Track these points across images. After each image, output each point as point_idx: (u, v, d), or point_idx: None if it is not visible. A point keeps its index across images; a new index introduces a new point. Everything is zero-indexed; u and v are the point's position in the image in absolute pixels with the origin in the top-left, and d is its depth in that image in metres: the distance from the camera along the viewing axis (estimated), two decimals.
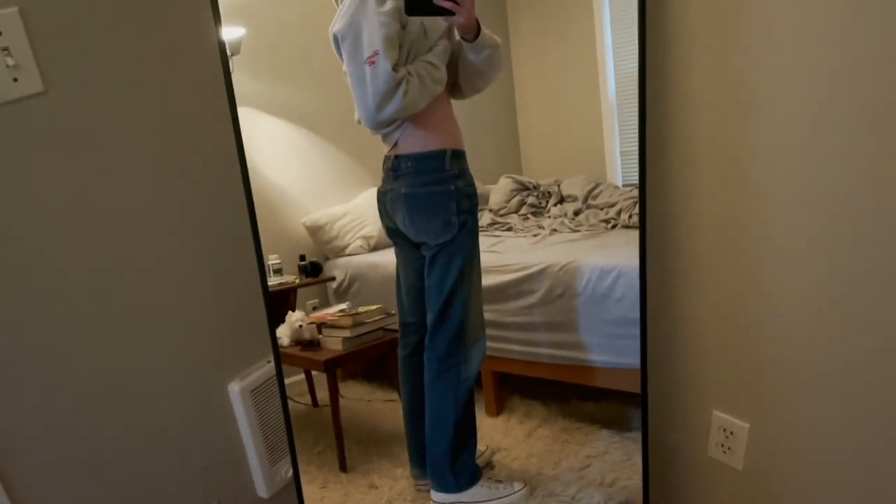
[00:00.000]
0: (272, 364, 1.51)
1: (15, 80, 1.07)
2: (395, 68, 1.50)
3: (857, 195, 1.10)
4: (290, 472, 1.54)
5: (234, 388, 1.51)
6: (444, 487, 1.79)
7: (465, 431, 1.81)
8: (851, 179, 1.10)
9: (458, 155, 1.71)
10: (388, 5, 1.49)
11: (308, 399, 2.32)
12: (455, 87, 1.73)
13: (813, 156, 1.14)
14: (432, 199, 1.71)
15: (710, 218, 1.33)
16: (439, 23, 1.59)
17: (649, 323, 1.41)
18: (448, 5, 1.45)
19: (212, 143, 1.43)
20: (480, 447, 1.97)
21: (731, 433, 1.35)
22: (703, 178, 1.32)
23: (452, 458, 1.78)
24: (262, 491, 1.59)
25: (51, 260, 1.20)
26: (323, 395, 2.22)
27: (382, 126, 1.62)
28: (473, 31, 1.57)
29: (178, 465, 1.42)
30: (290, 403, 2.28)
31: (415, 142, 1.68)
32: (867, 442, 1.16)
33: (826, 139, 1.12)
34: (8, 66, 1.06)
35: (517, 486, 1.76)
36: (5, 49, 1.05)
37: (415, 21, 1.54)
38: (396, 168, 1.71)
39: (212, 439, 1.49)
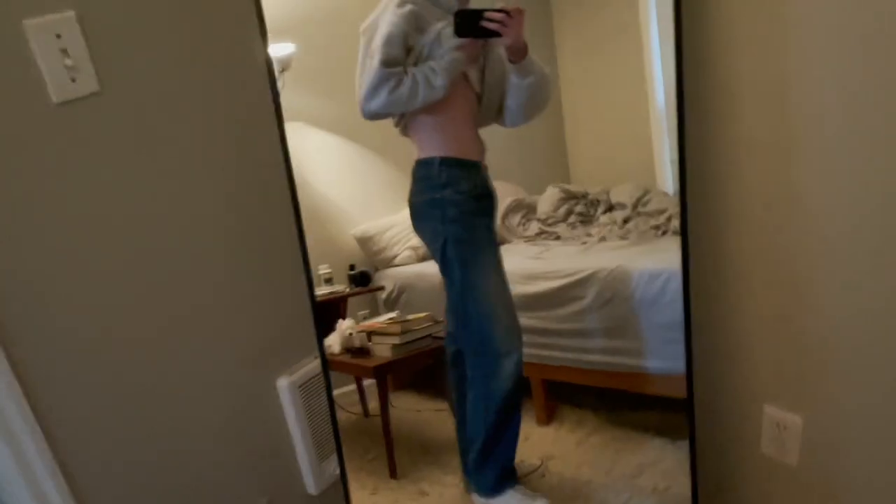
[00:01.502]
0: (319, 360, 1.52)
1: (73, 80, 1.13)
2: (392, 64, 1.55)
3: None
4: (338, 469, 1.54)
5: (283, 382, 1.52)
6: (478, 489, 1.81)
7: (497, 443, 1.79)
8: None
9: (451, 163, 1.71)
10: (406, 8, 1.56)
11: (359, 409, 2.33)
12: (499, 113, 1.76)
13: (862, 156, 1.11)
14: (422, 208, 1.76)
15: (758, 217, 1.30)
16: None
17: (695, 322, 1.38)
18: (495, 27, 1.49)
19: (261, 150, 1.48)
20: (535, 461, 1.94)
21: (785, 428, 1.30)
22: (747, 177, 1.30)
23: (483, 463, 1.79)
24: (311, 487, 1.60)
25: (104, 258, 1.25)
26: (374, 405, 2.23)
27: (373, 118, 1.66)
28: (521, 54, 1.60)
29: (227, 458, 1.44)
30: (341, 413, 2.31)
31: (418, 148, 1.74)
32: None
33: (876, 140, 1.08)
34: (66, 67, 1.12)
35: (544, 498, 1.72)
36: (64, 51, 1.12)
37: (433, 28, 1.58)
38: (412, 174, 1.77)
39: (261, 434, 1.51)
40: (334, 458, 1.58)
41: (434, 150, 1.72)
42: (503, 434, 1.80)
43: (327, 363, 1.51)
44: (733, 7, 1.26)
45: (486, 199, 1.77)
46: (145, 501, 1.30)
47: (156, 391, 1.32)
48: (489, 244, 1.79)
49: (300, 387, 1.54)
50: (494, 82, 1.68)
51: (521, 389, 1.79)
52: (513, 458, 1.82)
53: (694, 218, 1.35)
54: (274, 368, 1.54)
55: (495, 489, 1.78)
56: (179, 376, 1.36)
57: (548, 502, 1.72)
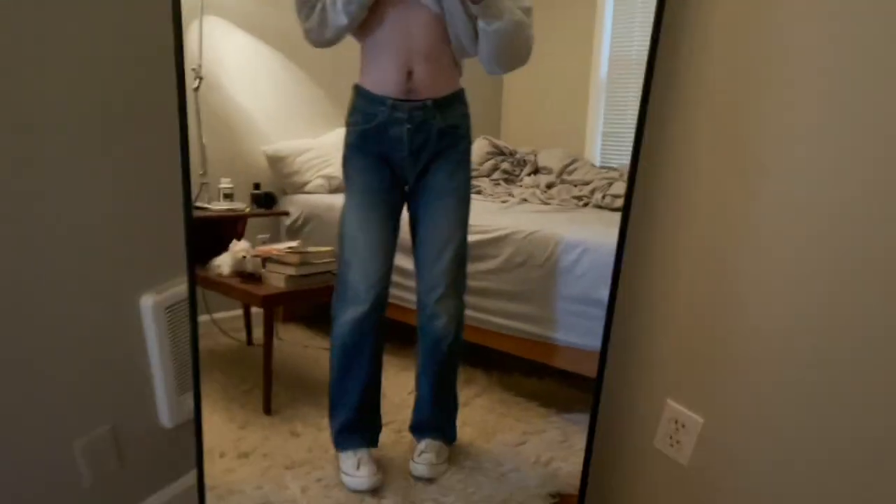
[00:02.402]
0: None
1: None
2: None
3: (853, 210, 1.03)
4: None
5: (147, 301, 1.36)
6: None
7: (338, 394, 1.70)
8: (850, 190, 1.03)
9: (357, 92, 1.61)
10: None
11: (243, 336, 2.20)
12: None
13: (815, 166, 1.08)
14: None
15: (700, 211, 1.24)
16: None
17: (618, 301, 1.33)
18: None
19: (147, 38, 1.29)
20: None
21: (683, 426, 1.27)
22: (699, 171, 1.24)
23: (330, 410, 1.72)
24: (166, 420, 1.46)
25: None
26: (259, 334, 2.11)
27: (318, 46, 1.56)
28: None
29: (68, 373, 1.27)
30: (224, 338, 2.18)
31: None
32: (821, 455, 1.10)
33: (829, 152, 1.05)
34: None
35: (372, 477, 1.62)
36: None
37: None
38: None
39: (113, 352, 1.35)
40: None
41: (359, 79, 1.61)
42: (344, 387, 1.69)
43: (195, 287, 1.33)
44: None
45: (381, 138, 1.59)
46: None
47: None
48: (370, 189, 1.66)
49: (167, 308, 1.38)
50: (455, 8, 1.48)
51: (366, 347, 1.67)
52: (356, 417, 1.71)
53: (637, 198, 1.27)
54: (139, 283, 1.37)
55: (337, 442, 1.70)
56: (24, 266, 1.18)
57: (374, 482, 1.60)
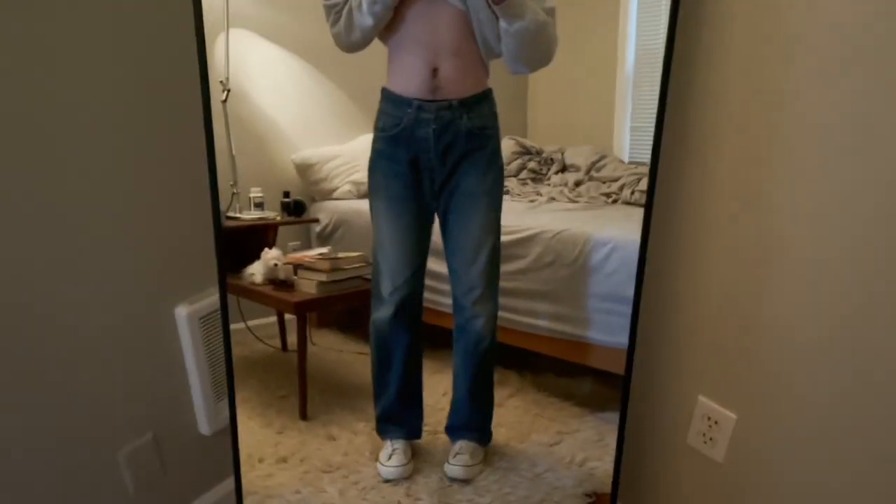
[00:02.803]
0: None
1: None
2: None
3: (890, 201, 1.01)
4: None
5: (182, 311, 1.39)
6: None
7: (378, 385, 1.76)
8: (885, 181, 1.01)
9: (384, 96, 1.62)
10: None
11: (278, 342, 2.23)
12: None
13: (841, 162, 1.06)
14: None
15: (726, 202, 1.23)
16: None
17: (644, 298, 1.32)
18: None
19: (178, 53, 1.31)
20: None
21: (716, 422, 1.26)
22: (721, 163, 1.23)
23: (374, 398, 1.77)
24: (204, 427, 1.49)
25: None
26: (293, 339, 2.13)
27: (347, 50, 1.57)
28: None
29: (110, 386, 1.31)
30: (259, 345, 2.21)
31: None
32: (856, 454, 1.08)
33: (858, 150, 1.03)
34: None
35: (400, 468, 1.67)
36: None
37: None
38: None
39: (152, 363, 1.39)
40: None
41: (386, 82, 1.61)
42: (382, 380, 1.75)
43: (226, 296, 1.37)
44: None
45: (409, 141, 1.60)
46: (15, 412, 1.18)
47: (32, 299, 1.18)
48: (397, 195, 1.67)
49: (201, 318, 1.41)
50: (479, 6, 1.47)
51: (396, 346, 1.72)
52: (394, 408, 1.77)
53: (660, 193, 1.27)
54: (174, 294, 1.41)
55: (379, 430, 1.78)
56: (64, 281, 1.22)
57: (400, 473, 1.66)
